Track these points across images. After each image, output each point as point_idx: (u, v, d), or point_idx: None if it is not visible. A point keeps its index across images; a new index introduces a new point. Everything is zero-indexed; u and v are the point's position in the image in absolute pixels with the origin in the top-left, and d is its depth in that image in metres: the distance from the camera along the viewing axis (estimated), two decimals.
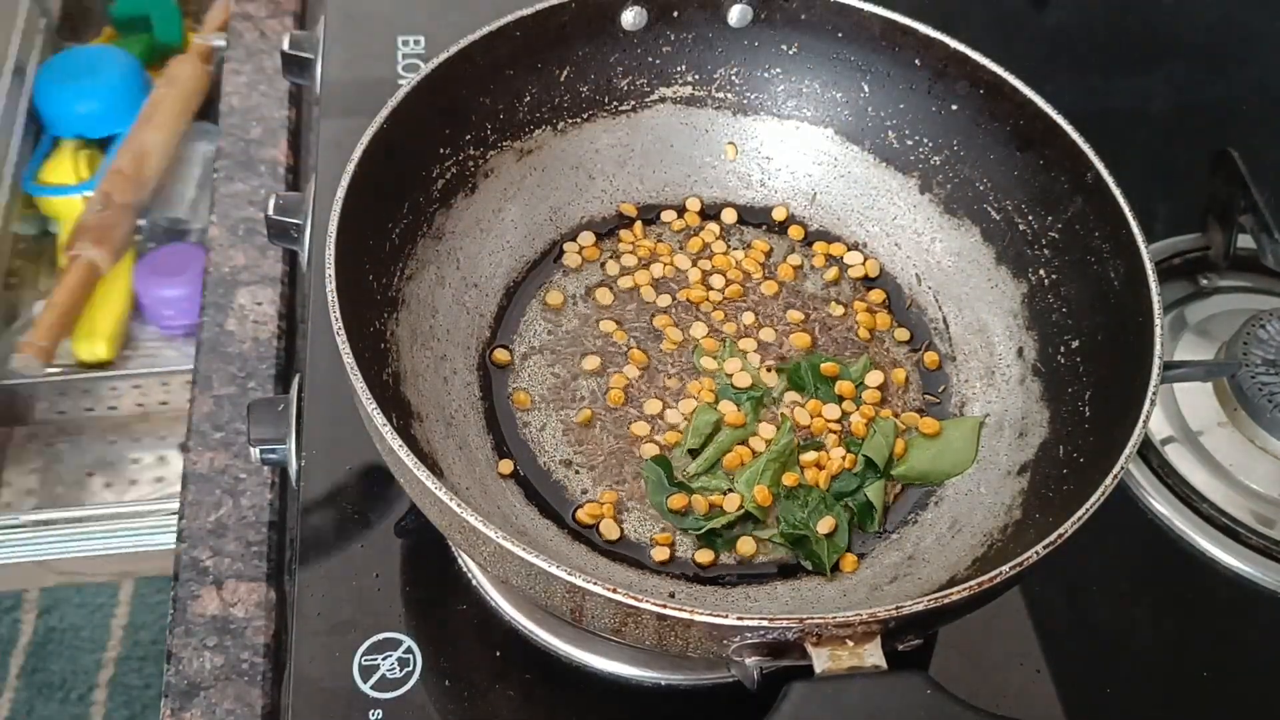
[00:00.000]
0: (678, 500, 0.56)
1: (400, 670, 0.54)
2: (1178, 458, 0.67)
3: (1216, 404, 0.68)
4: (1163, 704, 0.59)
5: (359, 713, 0.52)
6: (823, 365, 0.60)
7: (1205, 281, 0.74)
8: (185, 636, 0.59)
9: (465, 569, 0.57)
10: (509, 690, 0.54)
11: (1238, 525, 0.64)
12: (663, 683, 0.55)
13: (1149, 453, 0.67)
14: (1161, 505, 0.65)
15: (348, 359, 0.47)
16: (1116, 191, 0.56)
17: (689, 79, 0.67)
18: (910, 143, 0.66)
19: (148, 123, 1.23)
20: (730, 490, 0.57)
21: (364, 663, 0.54)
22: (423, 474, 0.45)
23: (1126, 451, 0.48)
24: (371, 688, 0.53)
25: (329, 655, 0.54)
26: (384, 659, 0.54)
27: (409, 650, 0.54)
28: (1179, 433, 0.68)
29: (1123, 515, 0.64)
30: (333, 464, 0.60)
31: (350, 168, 0.53)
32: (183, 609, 0.60)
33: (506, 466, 0.57)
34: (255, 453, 0.61)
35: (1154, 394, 0.50)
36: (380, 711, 0.52)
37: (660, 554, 0.55)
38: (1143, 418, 0.49)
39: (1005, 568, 0.44)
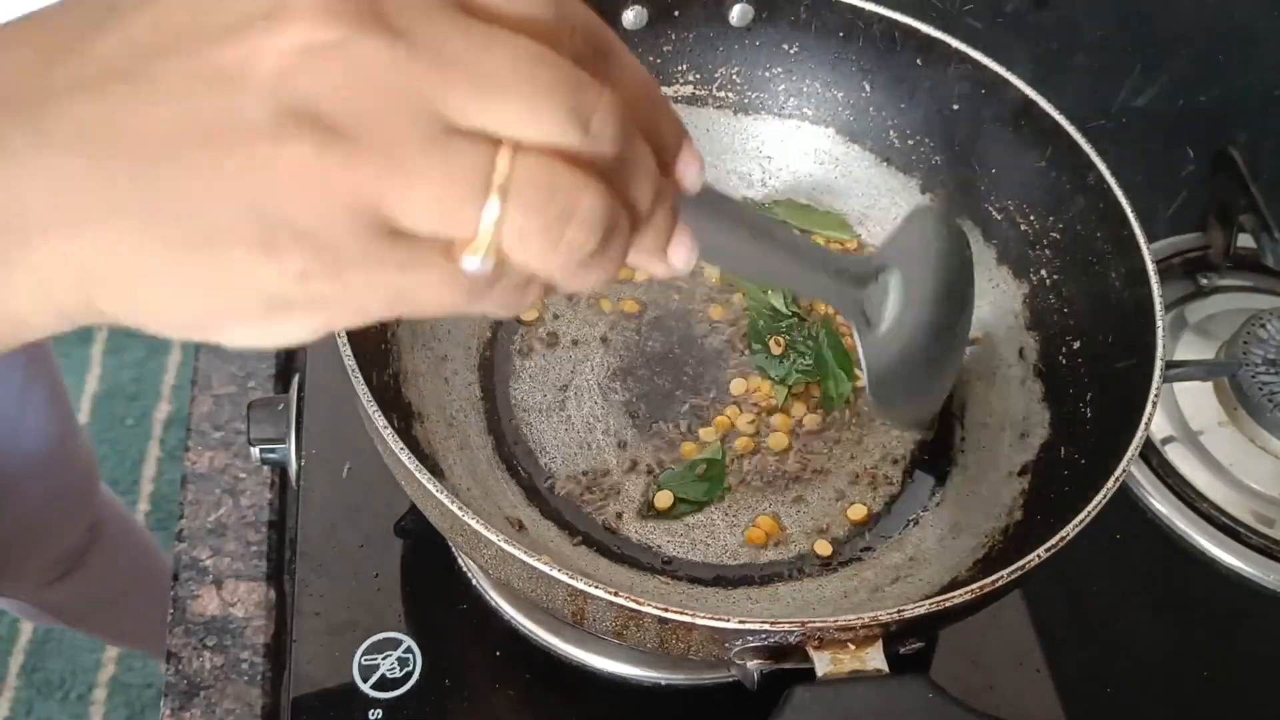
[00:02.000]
0: None
1: (400, 670, 0.54)
2: (1178, 457, 0.67)
3: (1217, 403, 0.68)
4: (1163, 704, 0.59)
5: (359, 713, 0.52)
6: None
7: (1205, 281, 0.74)
8: (185, 636, 0.59)
9: (465, 569, 0.57)
10: (509, 690, 0.54)
11: (1238, 525, 0.64)
12: (663, 683, 0.55)
13: (1149, 453, 0.67)
14: (1162, 505, 0.65)
15: (348, 360, 0.47)
16: (1118, 191, 0.56)
17: (690, 78, 0.67)
18: (912, 143, 0.65)
19: None
20: None
21: (364, 663, 0.54)
22: (424, 476, 0.45)
23: (1129, 453, 0.48)
24: (371, 688, 0.53)
25: (329, 655, 0.54)
26: (384, 659, 0.54)
27: (409, 650, 0.54)
28: (1179, 432, 0.68)
29: (1123, 515, 0.64)
30: (333, 464, 0.60)
31: None
32: (182, 608, 0.60)
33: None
34: (255, 452, 0.60)
35: (1156, 395, 0.50)
36: (380, 711, 0.52)
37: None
38: (1145, 419, 0.49)
39: (1007, 571, 0.44)
